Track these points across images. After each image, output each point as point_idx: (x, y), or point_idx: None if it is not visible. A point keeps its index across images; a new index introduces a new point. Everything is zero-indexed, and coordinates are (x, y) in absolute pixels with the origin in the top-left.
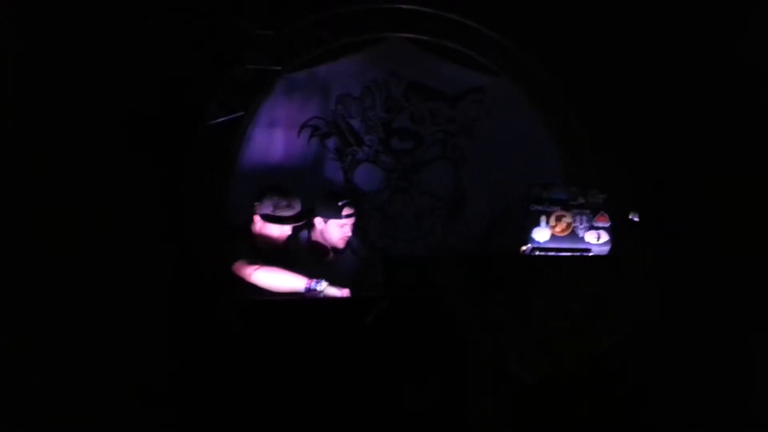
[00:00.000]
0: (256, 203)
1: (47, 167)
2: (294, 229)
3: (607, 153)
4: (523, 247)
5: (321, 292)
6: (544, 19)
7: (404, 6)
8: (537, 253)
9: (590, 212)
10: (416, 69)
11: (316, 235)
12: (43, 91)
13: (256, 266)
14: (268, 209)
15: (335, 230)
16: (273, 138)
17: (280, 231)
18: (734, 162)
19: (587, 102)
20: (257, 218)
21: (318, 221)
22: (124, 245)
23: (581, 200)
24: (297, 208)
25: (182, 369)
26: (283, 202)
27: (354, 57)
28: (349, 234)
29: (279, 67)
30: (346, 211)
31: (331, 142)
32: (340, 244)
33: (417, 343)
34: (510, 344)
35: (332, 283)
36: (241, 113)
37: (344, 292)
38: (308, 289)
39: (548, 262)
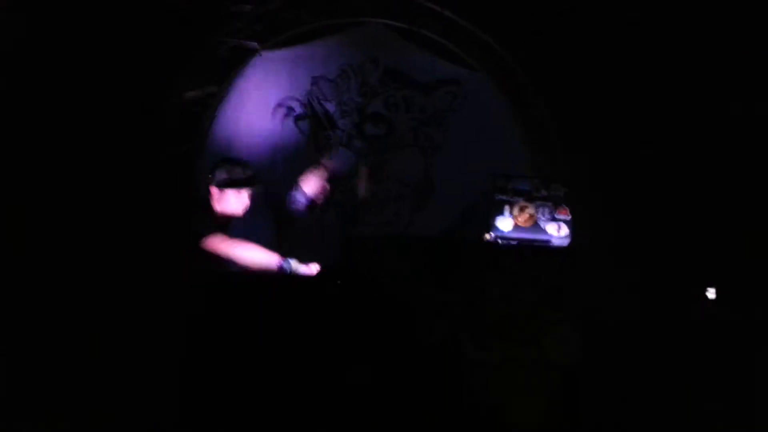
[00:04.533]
0: (209, 176)
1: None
2: (250, 197)
3: (573, 149)
4: (486, 236)
5: (291, 270)
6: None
7: None
8: (499, 242)
9: (552, 204)
10: (394, 56)
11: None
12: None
13: (233, 242)
14: (222, 176)
15: (234, 200)
16: (245, 115)
17: (237, 200)
18: (696, 161)
19: (558, 101)
20: (214, 191)
21: (214, 191)
22: (94, 222)
23: (544, 192)
24: (249, 172)
25: (154, 342)
26: (237, 169)
27: (332, 39)
28: (248, 202)
29: (255, 44)
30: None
31: (305, 124)
32: (240, 213)
33: (371, 323)
34: (463, 326)
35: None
36: (215, 88)
37: (312, 268)
38: (280, 267)
39: (508, 251)
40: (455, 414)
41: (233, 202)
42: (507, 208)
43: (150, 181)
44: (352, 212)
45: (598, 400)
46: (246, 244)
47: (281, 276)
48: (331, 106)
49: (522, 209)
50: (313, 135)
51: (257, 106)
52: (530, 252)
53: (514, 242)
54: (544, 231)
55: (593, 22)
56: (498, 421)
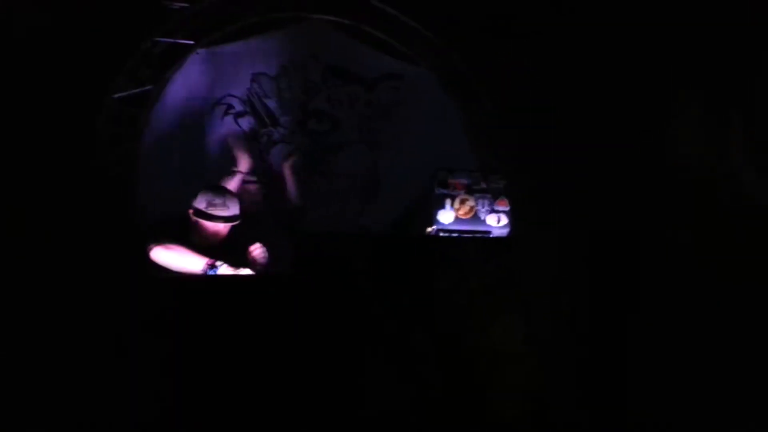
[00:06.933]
0: (192, 199)
1: None
2: (230, 229)
3: (514, 142)
4: (429, 229)
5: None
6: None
7: None
8: (441, 234)
9: (492, 196)
10: (335, 52)
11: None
12: None
13: (156, 245)
14: (201, 205)
15: (206, 230)
16: (183, 115)
17: (214, 228)
18: (635, 155)
19: (500, 94)
20: (191, 215)
21: (191, 215)
22: (28, 228)
23: (483, 185)
24: (233, 210)
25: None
26: (218, 200)
27: (272, 36)
28: (223, 234)
29: (191, 41)
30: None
31: (246, 122)
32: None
33: (320, 318)
34: (411, 320)
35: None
36: (149, 87)
37: (243, 273)
38: (205, 273)
39: (451, 243)
40: (405, 408)
41: (209, 228)
42: (448, 201)
43: (84, 185)
44: (289, 216)
45: (544, 386)
46: (172, 247)
47: (213, 276)
48: (272, 103)
49: (462, 202)
50: (253, 132)
51: (195, 103)
52: (471, 243)
53: (455, 234)
54: (483, 222)
55: (536, 16)
56: (451, 412)
